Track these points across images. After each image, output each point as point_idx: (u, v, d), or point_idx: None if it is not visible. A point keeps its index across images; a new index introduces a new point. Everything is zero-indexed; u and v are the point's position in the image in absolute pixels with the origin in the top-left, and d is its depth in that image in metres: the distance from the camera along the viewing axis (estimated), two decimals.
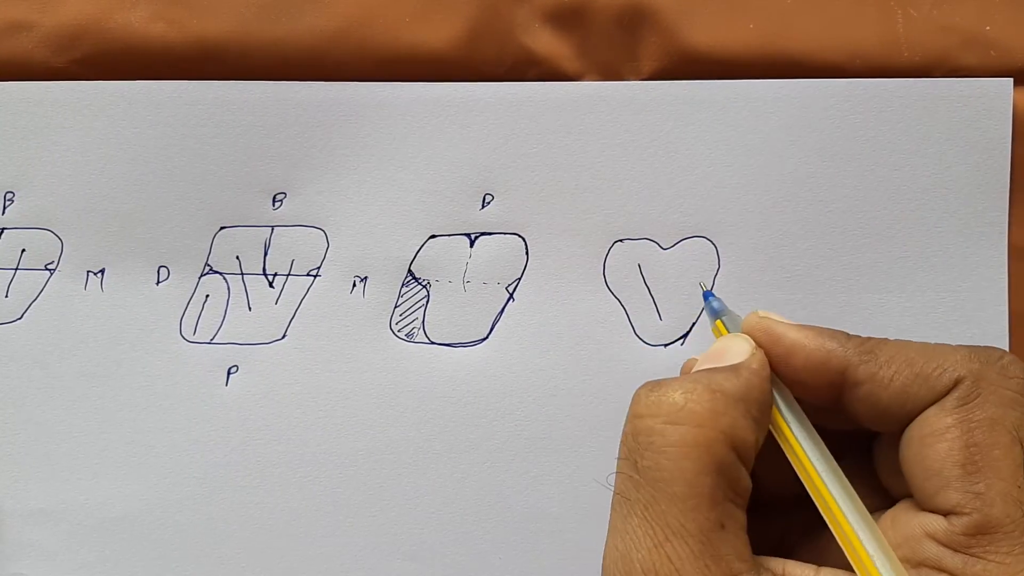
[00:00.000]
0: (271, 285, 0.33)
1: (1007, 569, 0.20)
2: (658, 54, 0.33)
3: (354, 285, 0.33)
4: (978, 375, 0.22)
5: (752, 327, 0.25)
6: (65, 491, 0.33)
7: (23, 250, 0.34)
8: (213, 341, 0.33)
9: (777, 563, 0.22)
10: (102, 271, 0.34)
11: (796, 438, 0.23)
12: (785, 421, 0.24)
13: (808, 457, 0.23)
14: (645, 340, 0.33)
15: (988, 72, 0.32)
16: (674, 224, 0.32)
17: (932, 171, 0.32)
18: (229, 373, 0.33)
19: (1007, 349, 0.32)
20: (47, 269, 0.34)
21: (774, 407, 0.24)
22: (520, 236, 0.33)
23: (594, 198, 0.33)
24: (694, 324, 0.33)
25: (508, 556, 0.32)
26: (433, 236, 0.33)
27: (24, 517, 0.33)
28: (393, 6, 0.33)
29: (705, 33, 0.32)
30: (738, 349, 0.24)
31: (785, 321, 0.24)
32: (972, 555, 0.21)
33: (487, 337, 0.33)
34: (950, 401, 0.22)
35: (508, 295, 0.33)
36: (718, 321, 0.26)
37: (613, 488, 0.23)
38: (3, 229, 0.34)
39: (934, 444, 0.22)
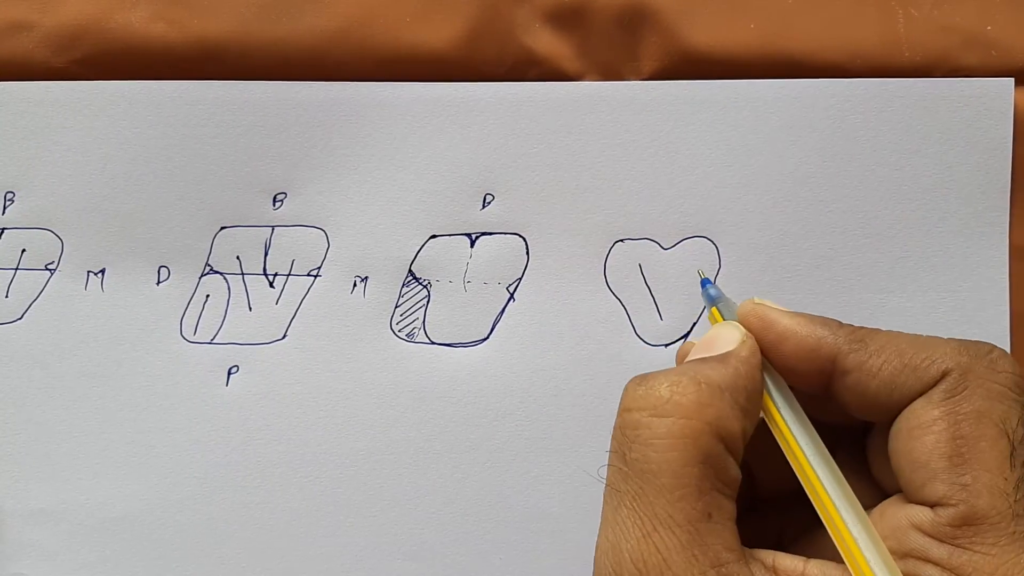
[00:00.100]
0: (271, 285, 0.34)
1: (993, 560, 0.21)
2: (658, 54, 0.33)
3: (354, 285, 0.33)
4: (966, 368, 0.22)
5: (746, 313, 0.25)
6: (65, 491, 0.34)
7: (23, 250, 0.34)
8: (213, 341, 0.34)
9: (767, 555, 0.22)
10: (102, 271, 0.34)
11: (787, 424, 0.24)
12: (776, 407, 0.24)
13: (798, 442, 0.23)
14: (646, 340, 0.33)
15: (989, 72, 0.32)
16: (675, 224, 0.33)
17: (932, 171, 0.32)
18: (229, 373, 0.33)
19: (1008, 349, 0.32)
20: (47, 269, 0.34)
21: (766, 394, 0.24)
22: (520, 236, 0.33)
23: (594, 198, 0.33)
24: (695, 324, 0.33)
25: (508, 556, 0.33)
26: (433, 236, 0.33)
27: (24, 517, 0.34)
28: (393, 6, 0.33)
29: (705, 33, 0.33)
30: (729, 337, 0.24)
31: (779, 308, 0.25)
32: (958, 546, 0.21)
33: (487, 337, 0.33)
34: (937, 393, 0.22)
35: (509, 295, 0.33)
36: (713, 308, 0.27)
37: (605, 481, 0.23)
38: (3, 229, 0.34)
39: (921, 436, 0.22)
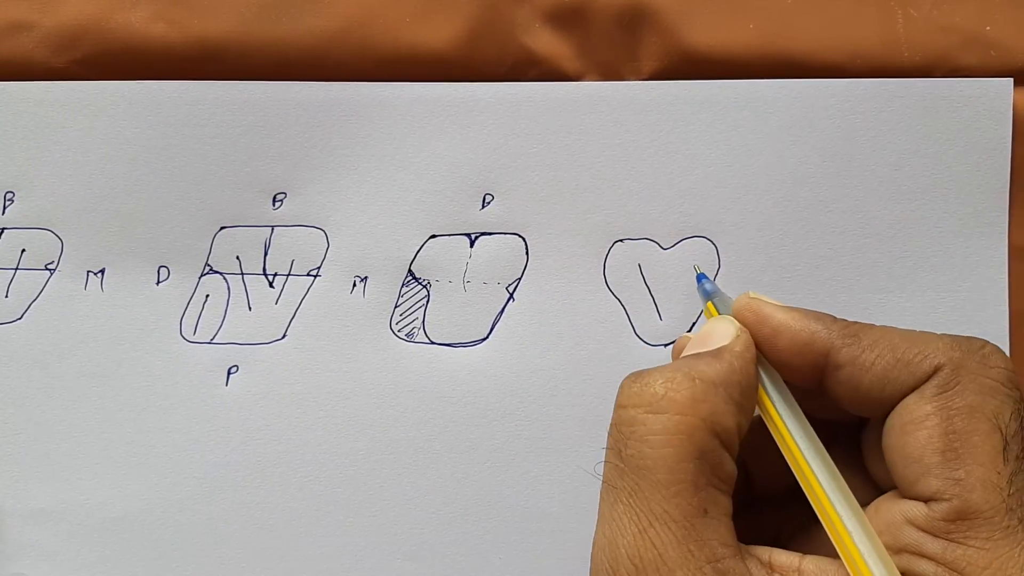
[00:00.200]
0: (271, 285, 0.34)
1: (987, 554, 0.21)
2: (658, 54, 0.33)
3: (354, 285, 0.34)
4: (958, 363, 0.22)
5: (741, 308, 0.25)
6: (65, 491, 0.34)
7: (23, 250, 0.34)
8: (213, 341, 0.34)
9: (764, 551, 0.22)
10: (102, 271, 0.34)
11: (782, 418, 0.24)
12: (771, 401, 0.24)
13: (793, 437, 0.24)
14: (645, 340, 0.33)
15: (988, 72, 0.33)
16: (674, 224, 0.33)
17: (932, 171, 0.33)
18: (229, 373, 0.34)
19: (1007, 349, 0.32)
20: (47, 269, 0.34)
21: (761, 388, 0.24)
22: (520, 236, 0.34)
23: (594, 198, 0.33)
24: (694, 324, 0.33)
25: (508, 556, 0.33)
26: (433, 236, 0.34)
27: (24, 517, 0.34)
28: (393, 6, 0.34)
29: (705, 33, 0.33)
30: (723, 332, 0.24)
31: (774, 303, 0.25)
32: (952, 540, 0.21)
33: (487, 337, 0.33)
34: (930, 388, 0.23)
35: (508, 295, 0.33)
36: (709, 303, 0.27)
37: (602, 478, 0.23)
38: (3, 229, 0.34)
39: (914, 432, 0.22)
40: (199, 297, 0.34)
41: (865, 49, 0.33)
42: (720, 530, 0.22)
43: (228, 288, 0.34)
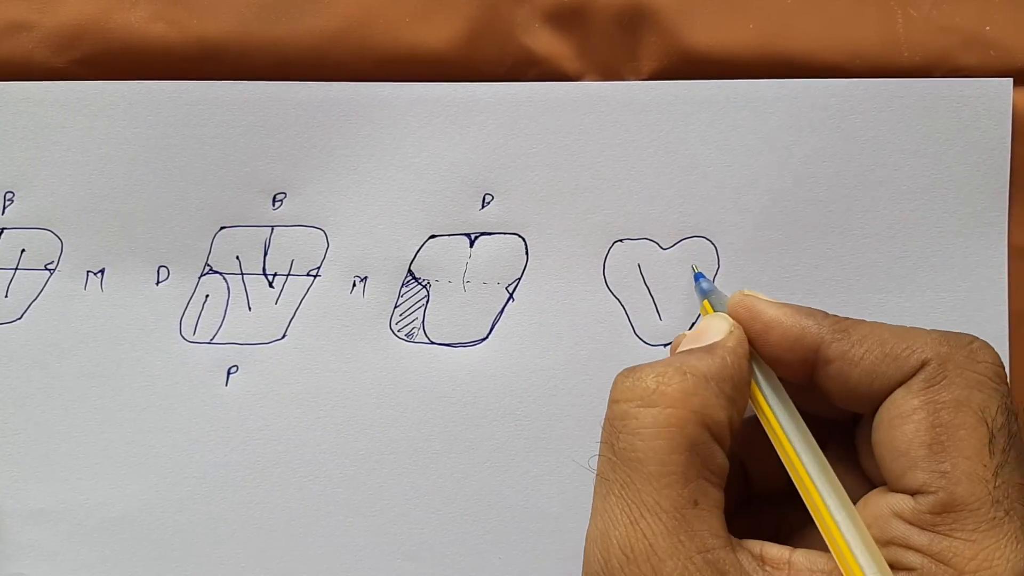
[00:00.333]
0: (271, 285, 0.35)
1: (973, 546, 0.22)
2: (658, 54, 0.34)
3: (354, 285, 0.34)
4: (945, 358, 0.23)
5: (735, 305, 0.26)
6: (65, 491, 0.34)
7: (23, 250, 0.35)
8: (213, 341, 0.34)
9: (755, 544, 0.23)
10: (102, 271, 0.35)
11: (773, 412, 0.25)
12: (764, 396, 0.25)
13: (784, 430, 0.24)
14: (645, 340, 0.34)
15: (988, 72, 0.33)
16: (674, 224, 0.34)
17: (931, 171, 0.33)
18: (229, 373, 0.34)
19: (1007, 349, 0.33)
20: (47, 269, 0.35)
21: (754, 383, 0.25)
22: (520, 236, 0.34)
23: (594, 198, 0.34)
24: (694, 323, 0.34)
25: (508, 556, 0.33)
26: (433, 236, 0.34)
27: (24, 517, 0.34)
28: (393, 6, 0.34)
29: (705, 33, 0.34)
30: (717, 328, 0.25)
31: (767, 299, 0.26)
32: (939, 533, 0.22)
33: (487, 337, 0.34)
34: (916, 383, 0.23)
35: (508, 295, 0.34)
36: (705, 301, 0.28)
37: (596, 471, 0.24)
38: (3, 229, 0.35)
39: (901, 425, 0.23)
40: (199, 297, 0.35)
41: (865, 49, 0.33)
42: (711, 521, 0.23)
43: (228, 288, 0.35)
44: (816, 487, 0.24)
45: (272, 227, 0.35)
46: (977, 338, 0.24)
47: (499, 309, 0.34)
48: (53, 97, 0.35)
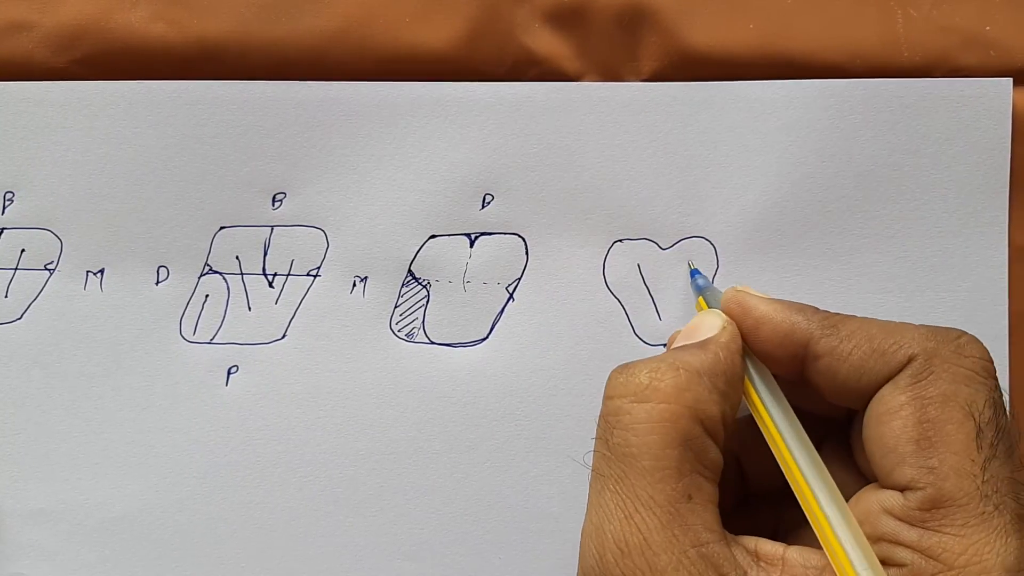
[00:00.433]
0: (271, 285, 0.35)
1: (962, 541, 0.22)
2: (658, 54, 0.34)
3: (354, 285, 0.35)
4: (932, 353, 0.23)
5: (728, 300, 0.27)
6: (65, 491, 0.35)
7: (23, 250, 0.35)
8: (213, 341, 0.35)
9: (750, 540, 0.23)
10: (102, 271, 0.35)
11: (766, 407, 0.25)
12: (756, 391, 0.25)
13: (776, 425, 0.25)
14: (645, 340, 0.34)
15: (988, 72, 0.34)
16: (673, 224, 0.34)
17: (931, 171, 0.34)
18: (229, 373, 0.35)
19: (1007, 349, 0.33)
20: (47, 269, 0.35)
21: (747, 380, 0.25)
22: (520, 236, 0.34)
23: (593, 198, 0.34)
24: None
25: (508, 556, 0.34)
26: (433, 236, 0.35)
27: (24, 517, 0.35)
28: (393, 6, 0.35)
29: (705, 33, 0.34)
30: (710, 324, 0.26)
31: (759, 295, 0.26)
32: (928, 528, 0.22)
33: (487, 337, 0.34)
34: (904, 378, 0.23)
35: (508, 295, 0.34)
36: (700, 297, 0.28)
37: (591, 467, 0.24)
38: (3, 229, 0.35)
39: (889, 422, 0.23)
40: (199, 297, 0.35)
41: (865, 49, 0.34)
42: (705, 516, 0.23)
43: (228, 288, 0.35)
44: (808, 483, 0.24)
45: (272, 227, 0.35)
46: (965, 332, 0.24)
47: (499, 309, 0.35)
48: (53, 97, 0.35)
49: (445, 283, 0.35)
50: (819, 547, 0.23)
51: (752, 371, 0.26)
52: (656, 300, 0.34)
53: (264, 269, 0.35)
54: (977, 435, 0.23)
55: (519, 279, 0.35)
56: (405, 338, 0.35)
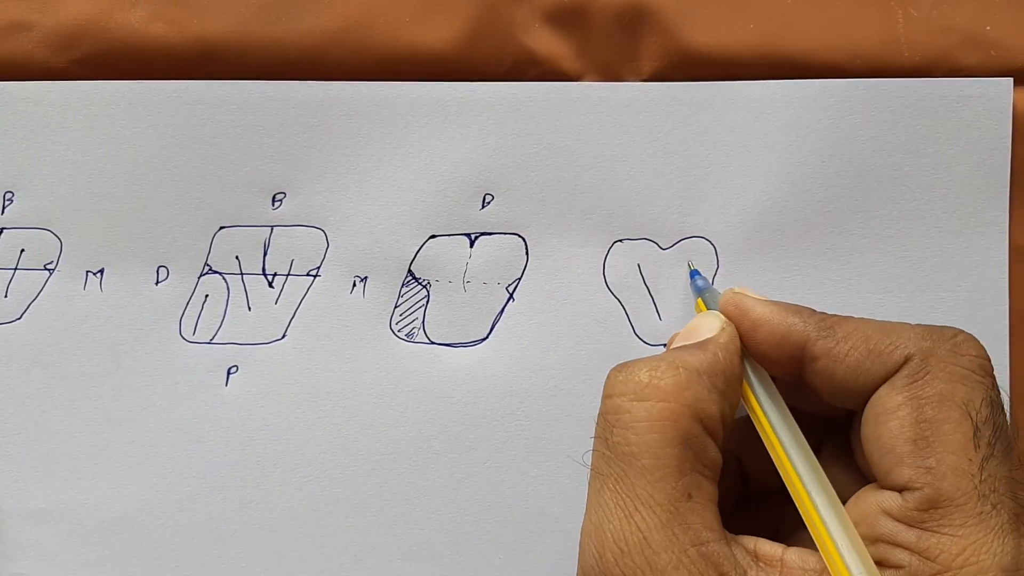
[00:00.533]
0: (271, 285, 0.35)
1: (960, 541, 0.22)
2: (658, 54, 0.34)
3: (354, 285, 0.35)
4: (928, 352, 0.24)
5: (726, 302, 0.27)
6: (65, 491, 0.35)
7: (22, 250, 0.36)
8: (213, 341, 0.35)
9: (749, 540, 0.24)
10: (101, 271, 0.35)
11: (763, 409, 0.25)
12: (754, 394, 0.25)
13: (773, 427, 0.25)
14: (645, 340, 0.34)
15: (988, 72, 0.34)
16: (673, 224, 0.34)
17: (931, 171, 0.34)
18: (229, 373, 0.35)
19: (1007, 349, 0.34)
20: (46, 269, 0.35)
21: (745, 382, 0.25)
22: (520, 236, 0.35)
23: (594, 198, 0.34)
24: None
25: (508, 556, 0.34)
26: (433, 236, 0.35)
27: (24, 517, 0.35)
28: (393, 6, 0.35)
29: (705, 33, 0.34)
30: (709, 325, 0.26)
31: (756, 297, 0.26)
32: (926, 529, 0.22)
33: (487, 337, 0.35)
34: (900, 378, 0.24)
35: (508, 295, 0.35)
36: (699, 299, 0.28)
37: (590, 466, 0.24)
38: (3, 229, 0.36)
39: (887, 422, 0.23)
40: (198, 297, 0.35)
41: (865, 49, 0.34)
42: (704, 515, 0.23)
43: (227, 288, 0.35)
44: (805, 486, 0.24)
45: (272, 227, 0.35)
46: (961, 331, 0.24)
47: (499, 309, 0.35)
48: (53, 97, 0.35)
49: (445, 283, 0.35)
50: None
51: (750, 373, 0.26)
52: (656, 300, 0.35)
53: (264, 269, 0.36)
54: (974, 434, 0.23)
55: (519, 279, 0.35)
56: (405, 338, 0.35)
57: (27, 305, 0.36)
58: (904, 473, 0.23)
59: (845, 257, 0.34)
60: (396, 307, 0.35)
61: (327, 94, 0.35)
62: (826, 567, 0.23)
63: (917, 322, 0.34)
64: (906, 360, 0.24)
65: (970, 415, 0.23)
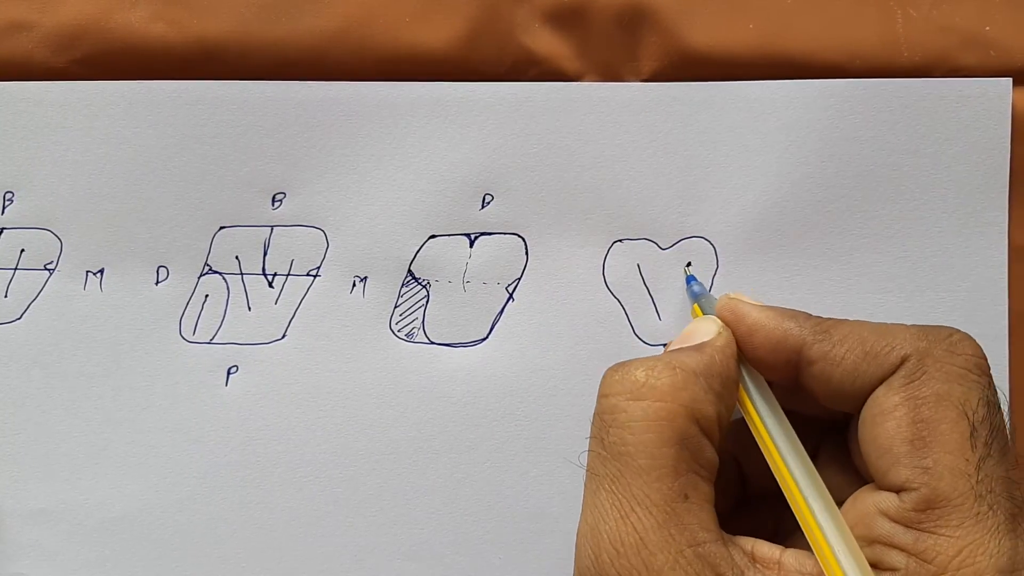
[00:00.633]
0: (271, 285, 0.35)
1: (956, 542, 0.22)
2: (658, 54, 0.35)
3: (354, 285, 0.35)
4: (924, 352, 0.24)
5: (722, 308, 0.27)
6: (65, 491, 0.35)
7: (22, 250, 0.36)
8: (213, 341, 0.35)
9: (747, 541, 0.24)
10: (101, 271, 0.36)
11: (759, 413, 0.25)
12: (750, 399, 0.26)
13: (768, 431, 0.25)
14: (644, 340, 0.35)
15: (988, 72, 0.34)
16: (673, 224, 0.34)
17: (931, 171, 0.34)
18: (229, 373, 0.35)
19: (1006, 349, 0.34)
20: (46, 269, 0.36)
21: (741, 387, 0.26)
22: (520, 236, 0.35)
23: (593, 198, 0.35)
24: None
25: (508, 556, 0.34)
26: (433, 236, 0.35)
27: (24, 517, 0.35)
28: (393, 6, 0.35)
29: (705, 33, 0.34)
30: (706, 329, 0.26)
31: (752, 302, 0.27)
32: (923, 530, 0.22)
33: (487, 337, 0.35)
34: (897, 379, 0.24)
35: (508, 295, 0.35)
36: (695, 304, 0.29)
37: (586, 467, 0.25)
38: (3, 229, 0.36)
39: (884, 423, 0.23)
40: (198, 297, 0.36)
41: (865, 49, 0.34)
42: (701, 515, 0.23)
43: (227, 288, 0.36)
44: (801, 492, 0.24)
45: (272, 227, 0.36)
46: (957, 330, 0.24)
47: (499, 309, 0.35)
48: (53, 97, 0.36)
49: (445, 283, 0.35)
50: None
51: (746, 378, 0.26)
52: (656, 300, 0.35)
53: (264, 269, 0.36)
54: (971, 434, 0.23)
55: (519, 279, 0.35)
56: (405, 338, 0.35)
57: (27, 305, 0.36)
58: (901, 473, 0.23)
59: (845, 257, 0.34)
60: (396, 307, 0.35)
61: (327, 94, 0.35)
62: (823, 571, 0.23)
63: (917, 322, 0.34)
64: (902, 361, 0.24)
65: (967, 415, 0.23)
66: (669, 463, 0.23)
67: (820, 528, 0.23)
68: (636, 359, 0.25)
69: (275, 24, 0.35)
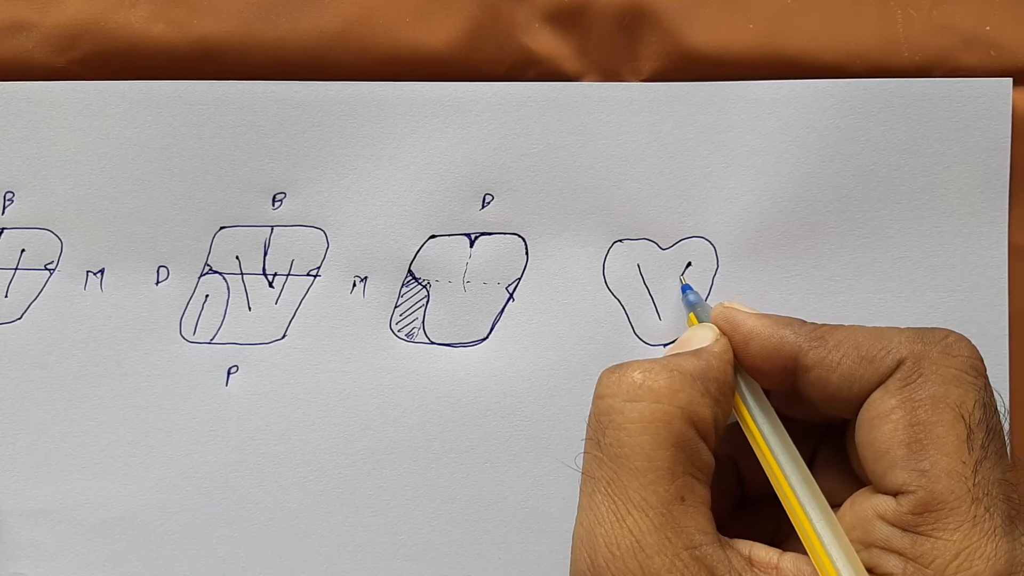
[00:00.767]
0: (271, 285, 0.36)
1: (954, 546, 0.22)
2: (658, 54, 0.35)
3: (354, 285, 0.35)
4: (920, 355, 0.24)
5: (717, 316, 0.27)
6: (65, 491, 0.36)
7: (23, 250, 0.36)
8: (213, 341, 0.36)
9: (744, 544, 0.24)
10: (101, 271, 0.36)
11: (755, 420, 0.25)
12: (746, 406, 0.26)
13: (764, 438, 0.25)
14: (644, 340, 0.35)
15: (988, 72, 0.34)
16: (673, 224, 0.35)
17: (931, 171, 0.34)
18: (229, 373, 0.35)
19: (1007, 349, 0.34)
20: (47, 269, 0.36)
21: (737, 395, 0.26)
22: (520, 236, 0.35)
23: (593, 198, 0.35)
24: None
25: (508, 556, 0.35)
26: (433, 236, 0.35)
27: (24, 517, 0.36)
28: (393, 6, 0.35)
29: (705, 33, 0.35)
30: (703, 336, 0.26)
31: (747, 310, 0.27)
32: (920, 534, 0.23)
33: (487, 337, 0.35)
34: (893, 382, 0.24)
35: (508, 295, 0.35)
36: (691, 313, 0.29)
37: (581, 470, 0.25)
38: (3, 229, 0.36)
39: (881, 426, 0.23)
40: (199, 297, 0.36)
41: (865, 49, 0.35)
42: (698, 518, 0.23)
43: (228, 288, 0.36)
44: (798, 499, 0.24)
45: (272, 227, 0.36)
46: (952, 332, 0.25)
47: (499, 309, 0.35)
48: (53, 97, 0.36)
49: (445, 283, 0.36)
50: None
51: (741, 385, 0.26)
52: (656, 300, 0.35)
53: (264, 269, 0.36)
54: (968, 436, 0.23)
55: (519, 279, 0.35)
56: (405, 338, 0.35)
57: (27, 305, 0.36)
58: (898, 476, 0.23)
59: (845, 257, 0.35)
60: (396, 307, 0.36)
61: (327, 94, 0.35)
62: None
63: (917, 322, 0.34)
64: (899, 364, 0.24)
65: (963, 417, 0.23)
66: (666, 465, 0.23)
67: (816, 534, 0.23)
68: (633, 361, 0.25)
69: (275, 24, 0.36)
